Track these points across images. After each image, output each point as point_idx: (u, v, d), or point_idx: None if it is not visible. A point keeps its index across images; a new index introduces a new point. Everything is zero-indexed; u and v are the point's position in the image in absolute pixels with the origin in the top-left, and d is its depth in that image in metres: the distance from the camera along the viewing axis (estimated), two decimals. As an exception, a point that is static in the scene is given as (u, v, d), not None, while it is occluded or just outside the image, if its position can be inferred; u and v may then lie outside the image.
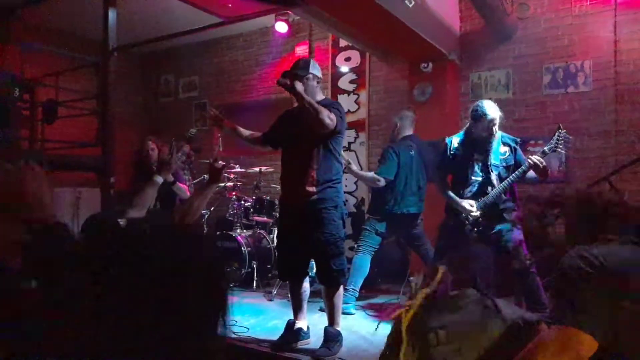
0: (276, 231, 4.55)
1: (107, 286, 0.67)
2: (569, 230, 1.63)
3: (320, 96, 3.15)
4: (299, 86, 2.84)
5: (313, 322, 3.34)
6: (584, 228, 1.57)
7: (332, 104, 3.07)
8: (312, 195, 2.95)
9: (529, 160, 3.21)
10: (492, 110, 3.30)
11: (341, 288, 3.09)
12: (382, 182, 4.06)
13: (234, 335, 3.31)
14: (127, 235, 0.74)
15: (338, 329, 3.04)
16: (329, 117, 2.86)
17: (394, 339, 1.70)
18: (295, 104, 3.04)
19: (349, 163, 4.11)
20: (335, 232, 2.98)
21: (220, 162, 2.27)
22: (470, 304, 1.64)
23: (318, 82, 3.14)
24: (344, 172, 3.33)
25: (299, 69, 3.06)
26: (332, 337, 2.97)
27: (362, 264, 4.04)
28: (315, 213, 2.94)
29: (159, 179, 2.39)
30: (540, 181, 3.32)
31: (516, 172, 3.28)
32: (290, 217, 3.13)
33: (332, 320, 3.05)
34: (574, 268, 1.37)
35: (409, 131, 4.28)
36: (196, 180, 5.43)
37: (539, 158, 3.18)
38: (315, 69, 3.12)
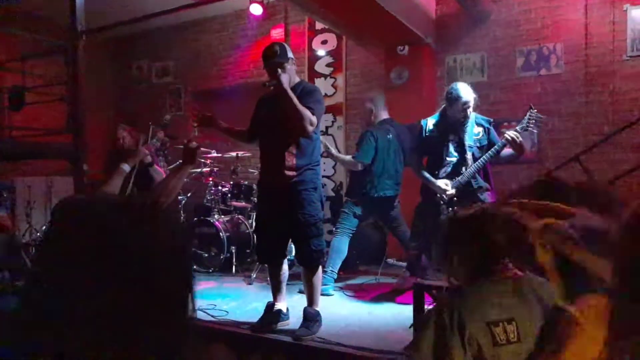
0: (255, 215, 4.54)
1: (78, 269, 0.67)
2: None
3: (296, 78, 3.13)
4: (285, 82, 2.84)
5: (292, 304, 3.36)
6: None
7: (311, 93, 3.02)
8: (291, 178, 2.96)
9: (505, 136, 3.24)
10: (465, 92, 3.35)
11: (320, 269, 3.11)
12: (360, 166, 4.09)
13: (212, 319, 3.32)
14: (95, 217, 0.72)
15: (317, 309, 3.07)
16: (310, 124, 2.88)
17: (437, 332, 1.37)
18: (270, 89, 3.00)
19: (328, 148, 4.13)
20: (315, 214, 2.99)
21: (194, 143, 2.25)
22: (527, 287, 1.37)
23: (293, 64, 3.12)
24: (322, 156, 3.33)
25: (279, 57, 2.99)
26: (311, 317, 2.99)
27: (340, 246, 4.07)
28: (294, 195, 2.95)
29: (126, 167, 2.37)
30: (515, 158, 3.37)
31: (491, 150, 3.33)
32: (269, 201, 3.13)
33: (311, 300, 3.08)
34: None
35: (385, 115, 4.30)
36: (172, 166, 5.37)
37: (515, 133, 3.22)
38: (290, 52, 3.10)
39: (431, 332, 1.35)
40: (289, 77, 2.95)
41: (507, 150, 3.32)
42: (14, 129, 5.01)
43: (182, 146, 2.32)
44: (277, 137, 3.02)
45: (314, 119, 2.91)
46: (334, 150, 4.31)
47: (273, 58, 2.99)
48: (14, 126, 4.98)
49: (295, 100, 2.86)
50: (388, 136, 4.17)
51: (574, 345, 1.07)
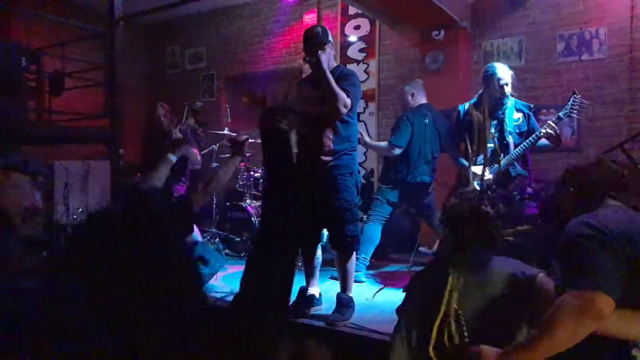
0: None
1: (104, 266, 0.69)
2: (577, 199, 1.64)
3: (334, 63, 3.11)
4: (324, 62, 2.86)
5: (324, 290, 3.36)
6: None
7: (348, 77, 3.01)
8: (328, 162, 2.94)
9: (543, 130, 3.17)
10: (502, 70, 3.30)
11: (354, 255, 3.09)
12: (398, 151, 4.02)
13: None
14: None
15: (350, 295, 3.07)
16: (344, 105, 2.87)
17: (406, 298, 1.86)
18: (305, 75, 3.00)
19: (362, 135, 4.08)
20: (350, 199, 2.97)
21: (243, 135, 2.32)
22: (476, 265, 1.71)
23: (332, 49, 3.11)
24: (358, 143, 3.31)
25: (321, 37, 2.99)
26: (344, 302, 2.99)
27: (373, 233, 4.05)
28: (330, 179, 2.94)
29: (173, 158, 2.40)
30: (552, 149, 3.29)
31: (529, 139, 3.25)
32: (304, 185, 3.12)
33: (344, 286, 3.07)
34: (580, 235, 1.41)
35: (423, 99, 4.22)
36: (204, 152, 5.43)
37: (553, 126, 3.14)
38: (331, 37, 3.09)
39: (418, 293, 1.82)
40: (328, 58, 2.94)
41: (545, 140, 3.24)
42: (53, 113, 5.14)
43: (212, 131, 2.42)
44: (314, 121, 3.00)
45: (348, 101, 2.89)
46: (367, 138, 4.26)
47: (314, 39, 2.99)
48: (53, 110, 5.11)
49: (332, 80, 2.86)
50: (425, 121, 4.09)
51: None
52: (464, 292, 1.64)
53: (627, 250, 1.36)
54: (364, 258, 3.99)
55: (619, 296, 1.33)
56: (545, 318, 1.39)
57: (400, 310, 1.91)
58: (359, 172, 3.17)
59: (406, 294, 1.92)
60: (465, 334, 1.54)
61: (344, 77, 2.97)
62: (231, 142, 2.38)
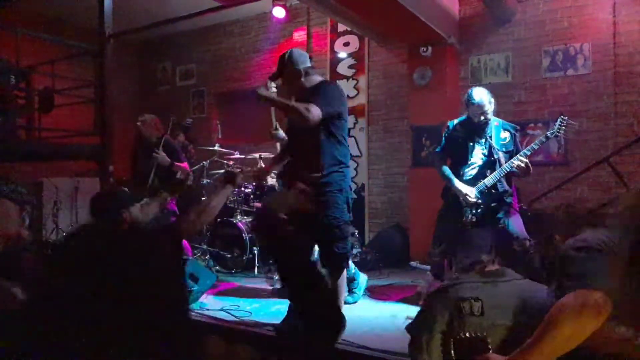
0: None
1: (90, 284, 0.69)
2: None
3: (316, 79, 3.10)
4: (263, 92, 2.91)
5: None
6: None
7: (317, 88, 3.00)
8: (317, 179, 2.95)
9: (515, 162, 3.26)
10: (478, 95, 3.36)
11: (344, 272, 3.08)
12: None
13: (235, 320, 3.33)
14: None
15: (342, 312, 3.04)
16: (307, 110, 2.81)
17: (425, 315, 1.82)
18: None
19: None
20: (339, 215, 2.96)
21: (237, 167, 2.33)
22: (507, 283, 1.76)
23: (306, 72, 3.07)
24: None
25: (281, 65, 3.08)
26: None
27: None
28: (319, 196, 2.94)
29: (167, 196, 2.45)
30: (520, 176, 3.41)
31: (502, 167, 3.33)
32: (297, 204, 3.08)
33: None
34: (576, 248, 1.47)
35: None
36: (194, 168, 5.43)
37: (524, 160, 3.23)
38: (300, 58, 3.07)
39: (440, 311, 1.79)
40: (292, 80, 3.02)
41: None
42: (43, 131, 5.12)
43: (203, 147, 2.42)
44: (301, 139, 3.01)
45: (312, 107, 2.81)
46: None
47: (278, 66, 3.09)
48: (43, 128, 5.09)
49: (278, 100, 2.92)
50: None
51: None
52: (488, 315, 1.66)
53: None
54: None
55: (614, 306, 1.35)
56: (546, 319, 1.39)
57: (415, 327, 1.87)
58: (350, 189, 3.16)
59: (424, 312, 1.90)
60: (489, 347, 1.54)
61: (314, 90, 2.98)
62: (226, 173, 2.41)
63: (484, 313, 1.66)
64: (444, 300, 1.82)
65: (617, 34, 4.89)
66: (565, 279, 1.50)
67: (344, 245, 3.00)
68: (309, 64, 3.11)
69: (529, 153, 3.28)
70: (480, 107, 3.34)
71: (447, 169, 3.49)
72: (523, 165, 3.24)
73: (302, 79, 3.06)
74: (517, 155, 3.28)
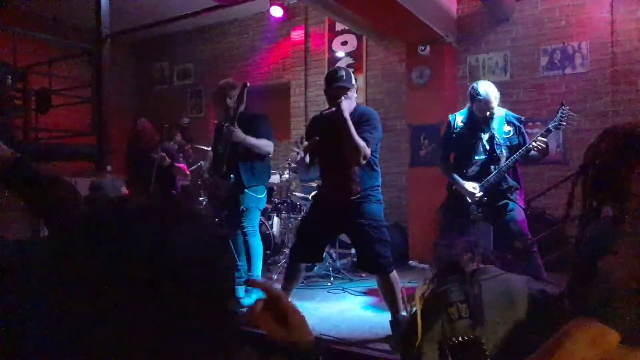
0: (301, 218, 4.32)
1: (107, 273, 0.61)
2: None
3: (354, 103, 2.95)
4: (346, 110, 2.70)
5: (315, 306, 3.35)
6: None
7: (369, 120, 2.86)
8: (353, 200, 2.87)
9: (534, 143, 3.17)
10: (484, 89, 3.24)
11: (393, 274, 2.89)
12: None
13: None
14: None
15: (404, 314, 2.81)
16: (364, 157, 2.75)
17: (413, 318, 1.76)
18: (323, 109, 2.91)
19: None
20: (379, 219, 2.89)
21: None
22: (491, 280, 1.73)
23: (355, 92, 2.95)
24: None
25: (344, 82, 2.82)
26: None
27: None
28: (357, 207, 2.86)
29: None
30: (540, 159, 3.30)
31: (519, 151, 3.24)
32: (325, 212, 3.00)
33: (395, 309, 2.88)
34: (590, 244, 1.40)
35: None
36: (192, 168, 5.41)
37: (544, 140, 3.16)
38: (354, 79, 2.96)
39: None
40: (350, 104, 2.79)
41: (533, 152, 3.25)
42: (40, 131, 5.11)
43: (200, 147, 2.34)
44: (337, 161, 2.88)
45: (368, 152, 2.75)
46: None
47: (337, 82, 2.82)
48: (40, 128, 5.08)
49: (352, 131, 2.70)
50: None
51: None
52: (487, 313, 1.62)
53: None
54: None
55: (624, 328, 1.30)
56: (554, 341, 1.30)
57: (406, 338, 1.80)
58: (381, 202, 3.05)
59: (413, 323, 1.81)
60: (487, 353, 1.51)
61: (365, 120, 2.84)
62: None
63: (473, 314, 1.63)
64: (431, 308, 1.75)
65: (615, 32, 4.90)
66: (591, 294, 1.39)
67: (385, 248, 2.87)
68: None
69: (547, 133, 3.18)
70: (486, 103, 3.23)
71: (457, 177, 3.37)
72: (544, 145, 3.15)
73: (350, 103, 2.87)
74: (537, 136, 3.18)
